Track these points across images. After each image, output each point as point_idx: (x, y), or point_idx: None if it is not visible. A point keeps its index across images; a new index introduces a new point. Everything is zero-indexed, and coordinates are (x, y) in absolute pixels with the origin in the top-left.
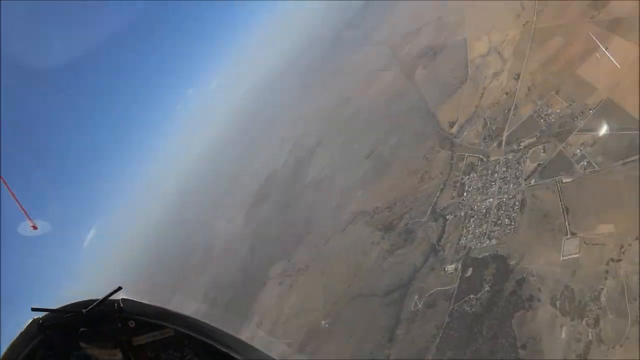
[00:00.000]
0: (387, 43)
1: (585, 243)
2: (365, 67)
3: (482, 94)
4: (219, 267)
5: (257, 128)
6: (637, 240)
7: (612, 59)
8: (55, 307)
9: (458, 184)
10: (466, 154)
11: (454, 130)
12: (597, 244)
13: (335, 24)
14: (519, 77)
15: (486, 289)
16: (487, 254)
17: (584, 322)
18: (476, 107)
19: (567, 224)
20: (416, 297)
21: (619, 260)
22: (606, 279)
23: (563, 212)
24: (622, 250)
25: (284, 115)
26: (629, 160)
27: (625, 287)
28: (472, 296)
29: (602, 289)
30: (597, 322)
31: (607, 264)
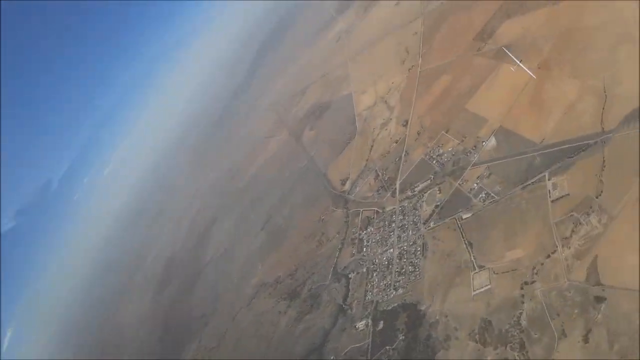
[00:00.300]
0: (274, 108)
1: (495, 273)
2: (254, 136)
3: (372, 146)
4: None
5: (153, 211)
6: (549, 259)
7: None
8: None
9: (356, 241)
10: (361, 209)
11: (347, 187)
12: (508, 271)
13: (221, 94)
14: (407, 123)
15: (401, 338)
16: (396, 304)
17: (508, 348)
18: (367, 160)
19: (472, 258)
20: (332, 358)
21: (533, 282)
22: (523, 302)
23: (467, 247)
24: (535, 271)
25: (177, 195)
26: (528, 183)
27: (545, 305)
28: (388, 347)
29: (521, 312)
30: (522, 345)
31: (522, 288)
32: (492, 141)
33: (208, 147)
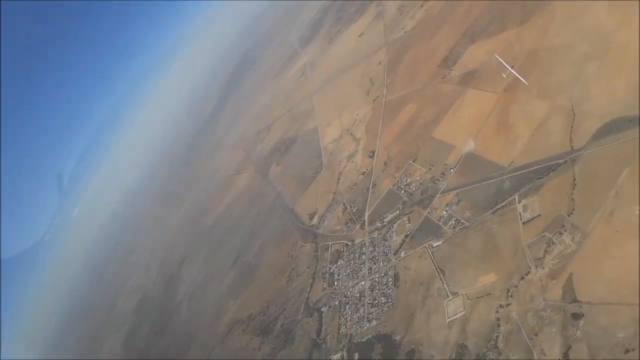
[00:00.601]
0: (240, 145)
1: (469, 299)
2: (221, 173)
3: (339, 179)
4: None
5: (122, 252)
6: (523, 280)
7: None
8: None
9: (327, 275)
10: (330, 243)
11: (315, 221)
12: (482, 296)
13: (187, 132)
14: (373, 154)
15: None
16: (370, 335)
17: None
18: (334, 193)
19: (445, 286)
20: None
21: (508, 305)
22: (499, 325)
23: (439, 275)
24: (510, 293)
25: (146, 235)
26: (498, 207)
27: (522, 326)
28: None
29: (497, 335)
30: None
31: (497, 311)
32: (460, 167)
33: (176, 186)
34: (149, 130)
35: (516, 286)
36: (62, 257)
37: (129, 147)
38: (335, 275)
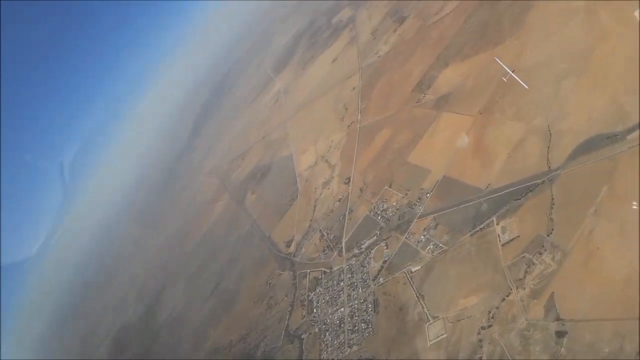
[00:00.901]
0: (215, 173)
1: (449, 322)
2: (198, 200)
3: (315, 206)
4: None
5: (101, 280)
6: (504, 301)
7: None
8: None
9: (306, 302)
10: (308, 270)
11: (292, 249)
12: (463, 319)
13: (164, 159)
14: (349, 181)
15: None
16: None
17: None
18: (310, 220)
19: (425, 310)
20: None
21: (490, 326)
22: (482, 347)
23: (419, 300)
24: (491, 315)
25: (125, 262)
26: (476, 230)
27: (505, 347)
28: None
29: (481, 356)
30: None
31: (479, 333)
32: (437, 191)
33: (153, 213)
34: (126, 157)
35: (497, 307)
36: (41, 283)
37: (105, 176)
38: (314, 302)
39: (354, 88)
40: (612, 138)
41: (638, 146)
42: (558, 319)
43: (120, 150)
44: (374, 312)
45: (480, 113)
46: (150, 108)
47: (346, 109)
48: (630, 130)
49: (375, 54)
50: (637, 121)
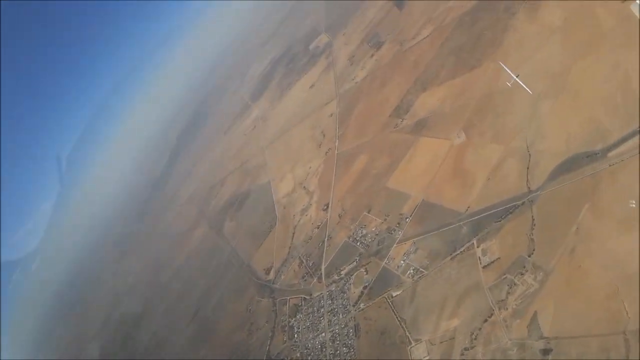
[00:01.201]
0: (193, 201)
1: (432, 344)
2: (176, 228)
3: (294, 233)
4: None
5: (79, 308)
6: (487, 322)
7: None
8: None
9: (287, 328)
10: (288, 297)
11: (271, 276)
12: (446, 340)
13: (141, 188)
14: (327, 207)
15: None
16: None
17: None
18: (289, 247)
19: (407, 333)
20: None
21: (473, 347)
22: None
23: (400, 324)
24: (474, 336)
25: (103, 291)
26: (457, 253)
27: None
28: None
29: None
30: None
31: (462, 354)
32: (416, 216)
33: (132, 242)
34: (103, 185)
35: (480, 329)
36: (18, 319)
37: (82, 204)
38: (295, 328)
39: (331, 114)
40: (592, 156)
41: (638, 153)
42: (542, 337)
43: (95, 182)
44: (355, 336)
45: (459, 137)
46: (126, 138)
47: (324, 136)
48: (611, 148)
49: (353, 79)
50: (616, 140)
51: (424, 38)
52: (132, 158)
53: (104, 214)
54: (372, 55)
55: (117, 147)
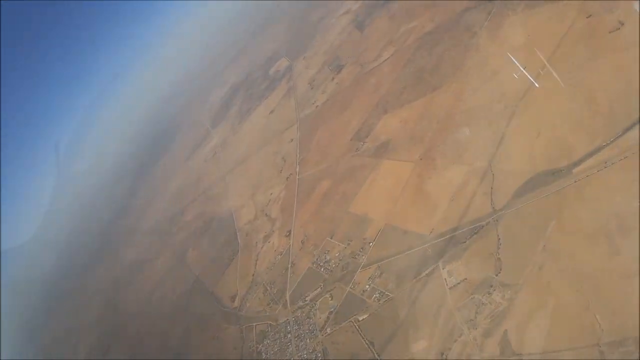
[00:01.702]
0: (155, 231)
1: None
2: (138, 260)
3: (257, 260)
4: None
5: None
6: (457, 342)
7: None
8: None
9: (255, 354)
10: (254, 324)
11: (237, 303)
12: None
13: (101, 219)
14: (290, 234)
15: None
16: None
17: None
18: (253, 275)
19: (377, 356)
20: None
21: None
22: None
23: (369, 347)
24: (444, 356)
25: (66, 325)
26: (422, 275)
27: None
28: None
29: None
30: None
31: None
32: (380, 240)
33: (90, 277)
34: (62, 220)
35: (450, 348)
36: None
37: (42, 240)
38: (263, 354)
39: (292, 139)
40: (557, 173)
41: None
42: (515, 354)
43: (55, 216)
44: None
45: (421, 159)
46: (85, 167)
47: (284, 161)
48: (576, 164)
49: (313, 103)
50: (581, 155)
51: (385, 60)
52: (92, 186)
53: (64, 249)
54: (333, 79)
55: (73, 181)
